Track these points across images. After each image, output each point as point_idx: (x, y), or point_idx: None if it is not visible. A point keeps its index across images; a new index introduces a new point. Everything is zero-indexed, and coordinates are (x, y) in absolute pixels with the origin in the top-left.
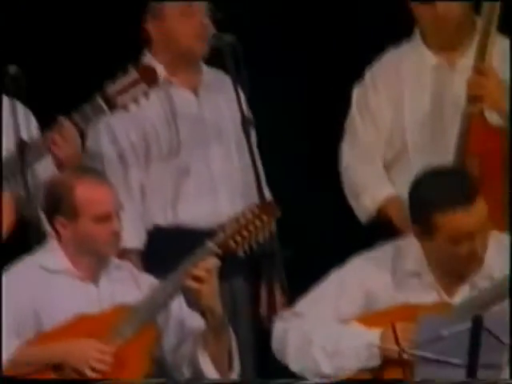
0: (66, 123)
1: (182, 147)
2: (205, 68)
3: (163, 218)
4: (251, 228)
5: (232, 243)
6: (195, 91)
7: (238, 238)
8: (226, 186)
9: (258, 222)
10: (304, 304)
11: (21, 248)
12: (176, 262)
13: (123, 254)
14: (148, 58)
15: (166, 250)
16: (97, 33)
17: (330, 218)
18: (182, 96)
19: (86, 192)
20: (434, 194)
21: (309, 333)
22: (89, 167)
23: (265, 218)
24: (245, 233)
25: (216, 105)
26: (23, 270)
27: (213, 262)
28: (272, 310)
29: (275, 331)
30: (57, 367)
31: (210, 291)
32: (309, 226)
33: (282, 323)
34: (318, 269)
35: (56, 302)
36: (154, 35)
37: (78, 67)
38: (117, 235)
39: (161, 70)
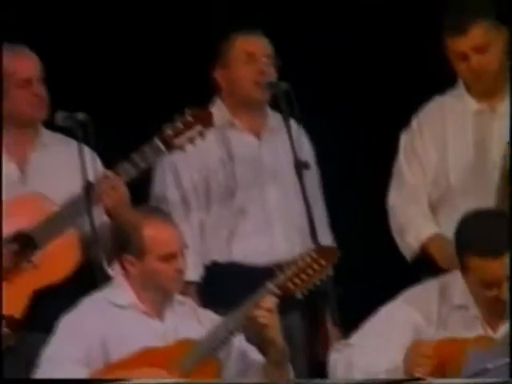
0: (110, 173)
1: (238, 189)
2: (270, 112)
3: (220, 255)
4: (310, 271)
5: (291, 285)
6: (258, 134)
7: (297, 281)
8: (281, 226)
9: (316, 266)
10: (357, 337)
11: (87, 284)
12: (231, 296)
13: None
14: (217, 103)
15: (222, 284)
16: (161, 79)
17: (379, 255)
18: (244, 139)
19: (153, 232)
20: (470, 238)
21: (355, 360)
22: (155, 208)
23: (323, 262)
24: (303, 276)
25: (276, 148)
26: (93, 304)
27: (273, 301)
28: (327, 344)
29: (331, 362)
30: None
31: (273, 326)
32: (359, 264)
33: (336, 354)
34: (368, 305)
35: (123, 335)
36: (221, 82)
37: (143, 112)
38: (181, 273)
39: (226, 113)
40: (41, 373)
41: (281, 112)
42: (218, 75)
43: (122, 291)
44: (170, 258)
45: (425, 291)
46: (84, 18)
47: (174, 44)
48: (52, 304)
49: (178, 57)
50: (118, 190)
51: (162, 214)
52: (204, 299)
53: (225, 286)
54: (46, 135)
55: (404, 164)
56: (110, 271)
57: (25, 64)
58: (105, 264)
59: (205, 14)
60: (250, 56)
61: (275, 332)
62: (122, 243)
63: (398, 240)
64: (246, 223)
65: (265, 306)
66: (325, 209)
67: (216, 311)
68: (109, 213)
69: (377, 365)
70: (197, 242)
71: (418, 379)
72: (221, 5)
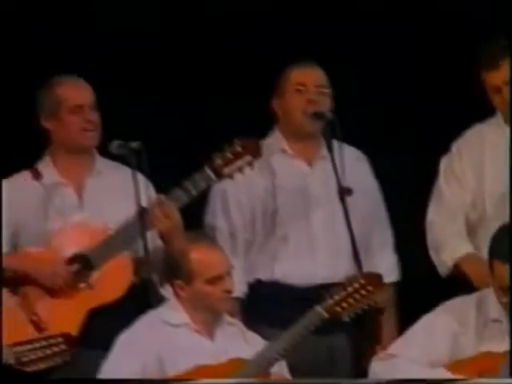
0: (165, 201)
1: (283, 216)
2: (323, 141)
3: (264, 274)
4: (357, 296)
5: (338, 309)
6: (310, 162)
7: (345, 305)
8: (324, 250)
9: (363, 292)
10: (396, 346)
11: (139, 304)
12: (273, 313)
13: None
14: (275, 132)
15: (265, 301)
16: (214, 108)
17: (417, 270)
18: (294, 165)
19: (199, 256)
20: (497, 244)
21: (396, 368)
22: (201, 232)
23: (370, 288)
24: (351, 300)
25: (325, 175)
26: (148, 322)
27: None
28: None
29: (371, 370)
30: None
31: None
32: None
33: (377, 363)
34: (408, 319)
35: (177, 352)
36: (278, 111)
37: (195, 141)
38: (229, 293)
39: (280, 141)
40: None
41: (326, 140)
42: (275, 105)
43: (175, 311)
44: (216, 280)
45: (463, 303)
46: (136, 47)
47: (231, 73)
48: (106, 322)
49: (237, 87)
50: (170, 216)
51: (208, 238)
52: (247, 315)
53: (267, 303)
54: (101, 162)
55: (443, 184)
56: (163, 292)
57: (77, 91)
58: (158, 285)
59: (266, 44)
60: (302, 86)
61: None
62: (172, 269)
63: (433, 256)
64: (289, 247)
65: None
66: (389, 231)
67: (258, 327)
68: (162, 237)
69: (417, 373)
70: (241, 260)
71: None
72: (280, 37)
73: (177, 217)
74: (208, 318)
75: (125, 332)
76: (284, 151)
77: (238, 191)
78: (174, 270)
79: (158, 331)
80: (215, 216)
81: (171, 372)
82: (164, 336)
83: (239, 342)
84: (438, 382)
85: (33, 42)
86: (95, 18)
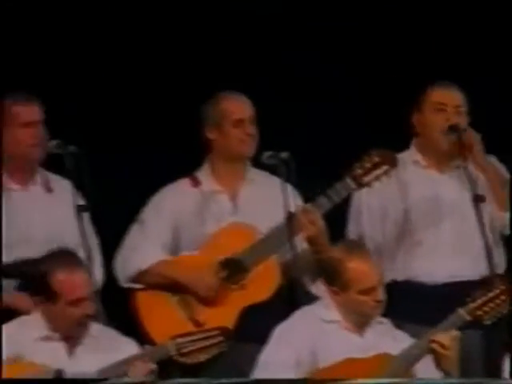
0: (310, 208)
1: (414, 221)
2: (457, 155)
3: (398, 274)
4: (498, 301)
5: (480, 313)
6: (441, 171)
7: (486, 309)
8: (456, 253)
9: (503, 297)
10: None
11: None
12: (413, 311)
13: None
14: (411, 147)
15: (404, 300)
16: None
17: None
18: (426, 175)
19: (355, 268)
20: None
21: None
22: (356, 242)
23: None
24: (492, 305)
25: (457, 183)
26: (303, 317)
27: (457, 333)
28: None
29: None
30: None
31: (452, 358)
32: None
33: None
34: None
35: (328, 345)
36: (417, 126)
37: (335, 152)
38: (380, 302)
39: (415, 153)
40: (256, 375)
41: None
42: (415, 120)
43: (328, 309)
44: (370, 291)
45: None
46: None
47: (370, 88)
48: (256, 318)
49: (377, 103)
50: (315, 222)
51: (363, 248)
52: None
53: (406, 302)
54: (253, 171)
55: None
56: (313, 290)
57: (240, 106)
58: (308, 285)
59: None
60: (442, 106)
61: (452, 364)
62: (328, 275)
63: None
64: (422, 251)
65: (451, 335)
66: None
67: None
68: (308, 241)
69: None
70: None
71: None
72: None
73: (321, 223)
74: (359, 319)
75: (281, 325)
76: (417, 162)
77: (371, 198)
78: (330, 276)
79: (311, 326)
80: (358, 223)
81: (323, 363)
82: (317, 330)
83: (387, 339)
84: None
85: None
86: None
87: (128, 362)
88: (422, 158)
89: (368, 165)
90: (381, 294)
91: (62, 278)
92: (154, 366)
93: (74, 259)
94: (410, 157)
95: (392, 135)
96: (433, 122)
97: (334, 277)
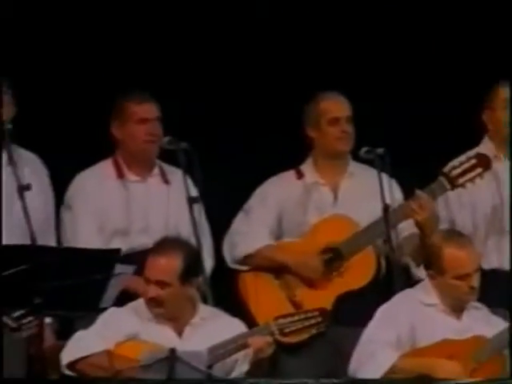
0: (422, 194)
1: (505, 212)
2: None
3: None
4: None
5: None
6: None
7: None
8: None
9: None
10: None
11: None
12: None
13: None
14: (485, 141)
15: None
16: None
17: None
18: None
19: (452, 254)
20: None
21: None
22: (456, 231)
23: None
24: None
25: None
26: (405, 299)
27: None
28: None
29: None
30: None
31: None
32: None
33: None
34: None
35: (427, 327)
36: (488, 123)
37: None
38: (474, 289)
39: (492, 149)
40: (358, 353)
41: None
42: (485, 117)
43: (427, 293)
44: (465, 277)
45: None
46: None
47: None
48: (354, 303)
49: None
50: (425, 208)
51: (462, 236)
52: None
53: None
54: (353, 165)
55: None
56: (418, 274)
57: (336, 105)
58: (413, 268)
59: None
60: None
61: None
62: (426, 259)
63: None
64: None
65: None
66: None
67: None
68: (418, 226)
69: None
70: None
71: None
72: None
73: (432, 208)
74: (455, 302)
75: (383, 306)
76: (497, 157)
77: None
78: (429, 260)
79: (412, 308)
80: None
81: (422, 344)
82: (417, 312)
83: (483, 323)
84: None
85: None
86: None
87: (234, 340)
88: (497, 152)
89: (464, 166)
90: (475, 281)
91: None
92: (271, 340)
93: (172, 246)
94: (489, 152)
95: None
96: (501, 118)
97: (431, 261)
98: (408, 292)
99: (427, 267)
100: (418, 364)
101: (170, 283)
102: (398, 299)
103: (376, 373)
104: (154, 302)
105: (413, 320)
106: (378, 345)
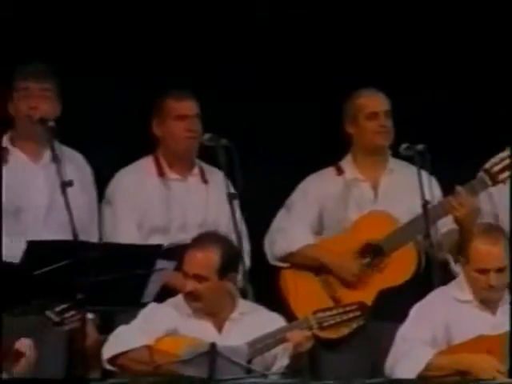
0: (462, 191)
1: None
2: None
3: None
4: None
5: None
6: None
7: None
8: None
9: None
10: None
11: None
12: None
13: None
14: None
15: None
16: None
17: None
18: None
19: (481, 247)
20: None
21: None
22: (492, 225)
23: None
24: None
25: None
26: (440, 296)
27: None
28: None
29: None
30: (462, 373)
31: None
32: None
33: None
34: None
35: (462, 324)
36: None
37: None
38: (492, 287)
39: None
40: (395, 350)
41: None
42: None
43: (462, 290)
44: (485, 272)
45: None
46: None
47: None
48: (393, 298)
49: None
50: (465, 205)
51: (495, 231)
52: None
53: None
54: (393, 162)
55: None
56: (456, 269)
57: (373, 100)
58: (452, 264)
59: None
60: None
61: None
62: (459, 251)
63: None
64: None
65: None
66: None
67: None
68: (457, 222)
69: None
70: None
71: None
72: None
73: (471, 205)
74: (486, 298)
75: (418, 304)
76: None
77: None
78: (462, 247)
79: (446, 305)
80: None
81: (457, 341)
82: (451, 309)
83: None
84: None
85: None
86: None
87: (273, 335)
88: None
89: (505, 162)
90: (495, 279)
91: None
92: (309, 334)
93: (210, 241)
94: None
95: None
96: None
97: (463, 247)
98: (442, 289)
99: (459, 253)
100: (454, 361)
101: (208, 277)
102: (433, 297)
103: (412, 371)
104: (191, 296)
105: (448, 318)
106: (414, 343)
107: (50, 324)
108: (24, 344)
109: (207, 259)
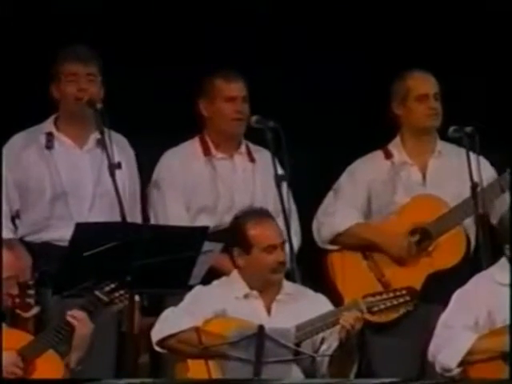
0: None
1: None
2: None
3: None
4: None
5: None
6: None
7: None
8: None
9: None
10: None
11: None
12: None
13: None
14: None
15: None
16: None
17: None
18: None
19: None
20: None
21: None
22: None
23: None
24: None
25: None
26: (482, 280)
27: None
28: None
29: None
30: (505, 355)
31: None
32: None
33: None
34: None
35: (504, 307)
36: None
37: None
38: None
39: None
40: (437, 335)
41: None
42: None
43: (504, 272)
44: None
45: None
46: None
47: None
48: (440, 282)
49: None
50: None
51: None
52: None
53: None
54: (441, 144)
55: None
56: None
57: (424, 82)
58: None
59: None
60: None
61: None
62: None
63: None
64: None
65: None
66: None
67: None
68: None
69: None
70: None
71: None
72: None
73: None
74: None
75: (461, 289)
76: None
77: None
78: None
79: (489, 289)
80: None
81: (500, 324)
82: (494, 293)
83: None
84: None
85: None
86: None
87: (323, 318)
88: None
89: None
90: None
91: (253, 229)
92: (360, 315)
93: (264, 213)
94: None
95: None
96: None
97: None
98: (485, 273)
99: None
100: (496, 343)
101: (279, 246)
102: (475, 281)
103: (455, 357)
104: (283, 267)
105: (490, 302)
106: (456, 330)
107: (100, 305)
108: (75, 316)
109: (279, 228)
